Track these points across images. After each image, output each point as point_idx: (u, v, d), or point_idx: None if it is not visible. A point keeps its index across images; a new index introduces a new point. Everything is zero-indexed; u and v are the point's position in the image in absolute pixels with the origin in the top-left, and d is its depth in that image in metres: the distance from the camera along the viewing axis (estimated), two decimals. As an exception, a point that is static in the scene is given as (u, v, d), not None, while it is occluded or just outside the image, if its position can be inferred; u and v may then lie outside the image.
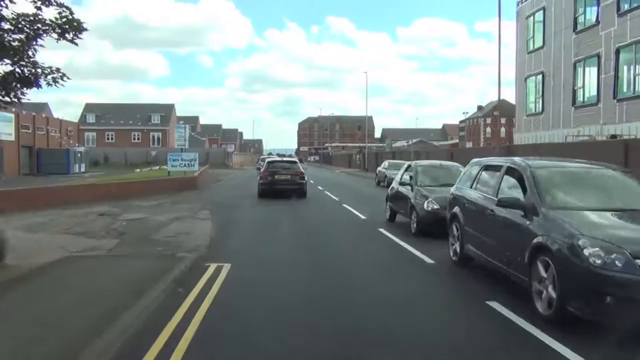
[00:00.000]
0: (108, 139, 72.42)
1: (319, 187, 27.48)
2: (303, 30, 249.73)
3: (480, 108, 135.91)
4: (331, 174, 49.37)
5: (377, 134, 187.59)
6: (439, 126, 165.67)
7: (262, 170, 22.46)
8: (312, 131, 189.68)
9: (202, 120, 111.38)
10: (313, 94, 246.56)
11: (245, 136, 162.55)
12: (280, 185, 20.59)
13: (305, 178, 21.96)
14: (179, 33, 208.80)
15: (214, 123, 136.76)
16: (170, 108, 75.99)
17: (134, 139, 72.32)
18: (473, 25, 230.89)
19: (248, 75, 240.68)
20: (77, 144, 52.14)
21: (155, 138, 72.70)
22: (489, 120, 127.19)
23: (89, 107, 73.09)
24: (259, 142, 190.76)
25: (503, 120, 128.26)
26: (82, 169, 46.17)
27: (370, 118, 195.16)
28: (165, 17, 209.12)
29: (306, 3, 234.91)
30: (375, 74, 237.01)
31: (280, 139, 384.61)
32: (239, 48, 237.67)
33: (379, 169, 33.53)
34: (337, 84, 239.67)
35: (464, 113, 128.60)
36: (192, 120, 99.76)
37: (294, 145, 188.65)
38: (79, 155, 46.24)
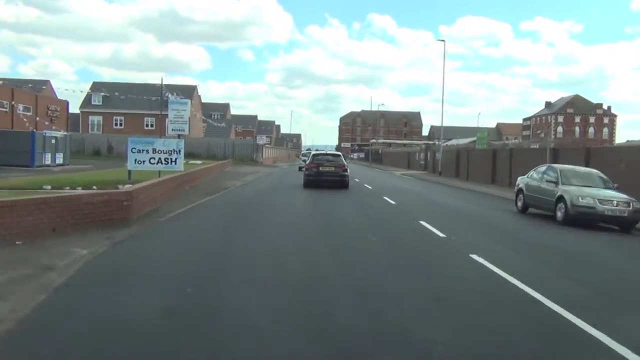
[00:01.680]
0: (116, 124, 60.62)
1: (416, 219, 13.19)
2: (344, 26, 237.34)
3: (549, 105, 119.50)
4: (396, 180, 35.58)
5: (424, 131, 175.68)
6: (490, 125, 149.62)
7: (307, 162, 23.33)
8: (355, 126, 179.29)
9: (238, 112, 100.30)
10: (352, 91, 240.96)
11: (283, 130, 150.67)
12: (325, 176, 21.66)
13: (348, 170, 22.65)
14: (222, 27, 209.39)
15: (250, 114, 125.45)
16: (191, 90, 63.59)
17: (147, 125, 60.26)
18: (518, 24, 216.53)
19: (288, 71, 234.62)
20: (62, 129, 39.94)
21: (172, 125, 60.75)
22: (560, 119, 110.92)
23: (96, 86, 61.39)
24: (298, 136, 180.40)
25: (578, 119, 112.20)
26: (58, 160, 33.83)
27: (418, 114, 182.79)
28: (209, 11, 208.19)
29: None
30: (414, 72, 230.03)
31: (318, 135, 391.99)
32: (279, 43, 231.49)
33: (531, 182, 15.90)
34: (376, 82, 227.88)
35: (524, 119, 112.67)
36: (221, 108, 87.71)
37: (333, 142, 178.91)
38: (53, 141, 33.83)
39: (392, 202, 17.72)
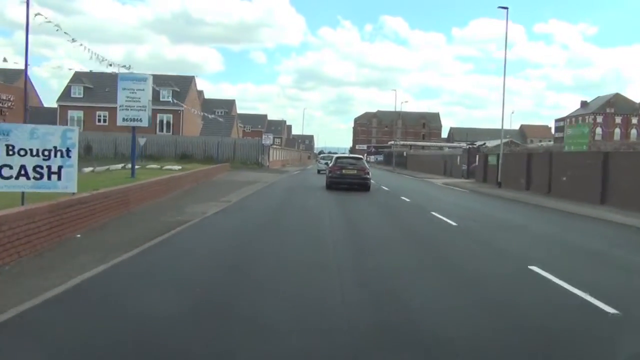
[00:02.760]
0: (99, 120, 51.97)
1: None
2: (356, 28, 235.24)
3: (584, 104, 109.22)
4: (442, 192, 26.68)
5: (444, 134, 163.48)
6: (512, 127, 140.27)
7: (330, 165, 23.95)
8: (370, 127, 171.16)
9: (247, 112, 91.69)
10: (364, 93, 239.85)
11: (295, 132, 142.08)
12: (347, 179, 22.13)
13: (370, 174, 22.87)
14: (235, 29, 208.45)
15: (260, 113, 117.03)
16: (187, 81, 54.68)
17: (135, 122, 51.84)
18: (532, 27, 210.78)
19: (300, 73, 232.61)
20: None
21: (165, 122, 51.84)
22: (599, 119, 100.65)
23: (77, 77, 52.78)
24: (310, 138, 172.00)
25: (619, 119, 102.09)
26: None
27: (437, 115, 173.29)
28: (221, 13, 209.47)
29: (361, 1, 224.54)
30: (426, 75, 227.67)
31: (331, 137, 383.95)
32: (292, 45, 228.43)
33: None
34: (388, 84, 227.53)
35: (557, 120, 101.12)
36: (226, 105, 78.84)
37: (346, 144, 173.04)
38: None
39: (473, 239, 8.61)
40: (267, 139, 45.02)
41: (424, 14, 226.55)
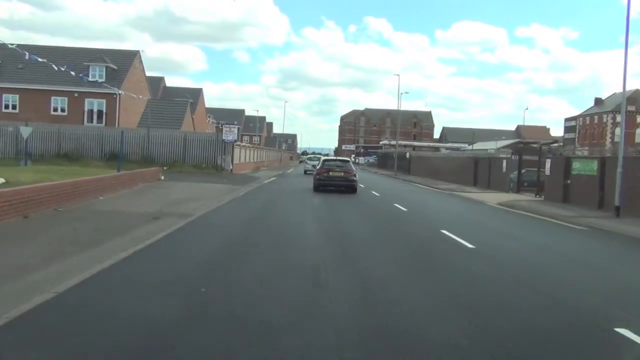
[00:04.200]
0: (7, 106, 38.47)
1: None
2: (340, 29, 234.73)
3: (599, 102, 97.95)
4: (527, 230, 14.10)
5: (436, 134, 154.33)
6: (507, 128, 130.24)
7: (318, 167, 24.00)
8: (358, 126, 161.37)
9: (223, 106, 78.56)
10: (348, 94, 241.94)
11: (277, 130, 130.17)
12: (334, 181, 22.15)
13: (357, 176, 22.96)
14: (218, 28, 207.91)
15: (237, 108, 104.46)
16: (128, 58, 41.04)
17: (56, 108, 38.24)
18: (514, 30, 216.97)
19: (284, 72, 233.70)
20: None
21: (96, 109, 38.64)
22: (618, 118, 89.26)
23: (-21, 48, 39.56)
24: (293, 137, 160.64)
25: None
26: None
27: (429, 114, 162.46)
28: (204, 12, 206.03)
29: (345, 2, 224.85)
30: (409, 77, 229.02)
31: (314, 138, 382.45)
32: (275, 45, 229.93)
33: None
34: (372, 85, 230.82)
35: (567, 119, 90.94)
36: (192, 94, 65.00)
37: (330, 144, 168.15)
38: None
39: None
40: (230, 133, 32.19)
41: (408, 15, 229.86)
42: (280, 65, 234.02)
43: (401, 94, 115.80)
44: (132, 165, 30.33)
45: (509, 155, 28.68)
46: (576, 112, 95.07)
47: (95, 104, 38.40)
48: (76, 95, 38.04)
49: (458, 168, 35.24)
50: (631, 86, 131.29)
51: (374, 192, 24.17)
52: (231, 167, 33.23)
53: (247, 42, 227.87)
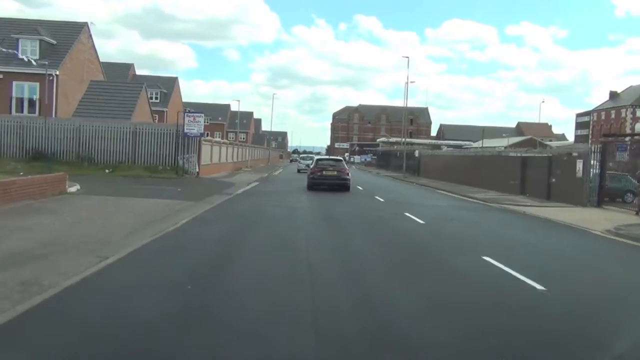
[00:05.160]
0: None
1: None
2: (331, 27, 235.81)
3: (614, 95, 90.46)
4: None
5: (433, 131, 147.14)
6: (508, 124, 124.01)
7: (312, 166, 24.18)
8: (351, 124, 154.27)
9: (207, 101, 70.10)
10: (339, 92, 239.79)
11: (267, 128, 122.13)
12: (328, 180, 22.38)
13: (350, 175, 23.37)
14: (207, 26, 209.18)
15: (221, 102, 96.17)
16: (72, 32, 32.12)
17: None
18: (504, 28, 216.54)
19: (274, 71, 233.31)
20: None
21: (27, 95, 30.23)
22: (639, 112, 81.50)
23: None
24: (283, 135, 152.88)
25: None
26: None
27: (426, 110, 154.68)
28: (194, 9, 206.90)
29: (336, 0, 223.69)
30: (400, 75, 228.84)
31: (305, 136, 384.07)
32: (265, 43, 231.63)
33: None
34: (363, 83, 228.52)
35: (579, 114, 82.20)
36: (165, 83, 56.33)
37: (322, 143, 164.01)
38: None
39: None
40: (194, 125, 23.83)
41: (398, 13, 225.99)
42: (271, 64, 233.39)
43: (406, 83, 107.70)
44: (62, 167, 22.36)
45: (575, 154, 20.47)
46: (568, 111, 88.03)
47: (26, 88, 29.78)
48: (1, 76, 29.49)
49: (491, 170, 27.03)
50: (624, 85, 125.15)
51: (413, 218, 14.24)
52: (197, 170, 24.88)
53: (237, 40, 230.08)
